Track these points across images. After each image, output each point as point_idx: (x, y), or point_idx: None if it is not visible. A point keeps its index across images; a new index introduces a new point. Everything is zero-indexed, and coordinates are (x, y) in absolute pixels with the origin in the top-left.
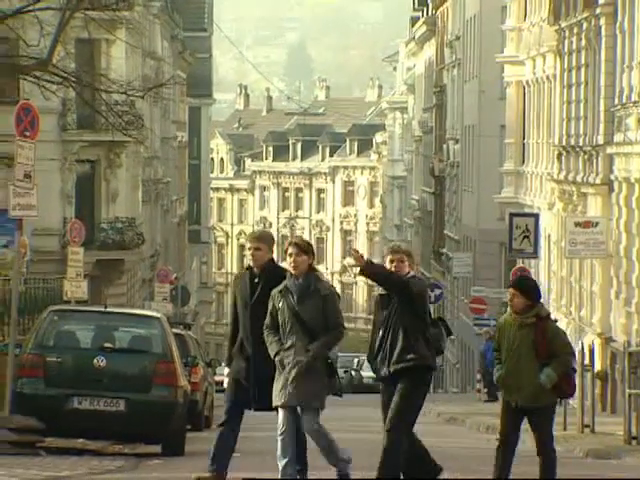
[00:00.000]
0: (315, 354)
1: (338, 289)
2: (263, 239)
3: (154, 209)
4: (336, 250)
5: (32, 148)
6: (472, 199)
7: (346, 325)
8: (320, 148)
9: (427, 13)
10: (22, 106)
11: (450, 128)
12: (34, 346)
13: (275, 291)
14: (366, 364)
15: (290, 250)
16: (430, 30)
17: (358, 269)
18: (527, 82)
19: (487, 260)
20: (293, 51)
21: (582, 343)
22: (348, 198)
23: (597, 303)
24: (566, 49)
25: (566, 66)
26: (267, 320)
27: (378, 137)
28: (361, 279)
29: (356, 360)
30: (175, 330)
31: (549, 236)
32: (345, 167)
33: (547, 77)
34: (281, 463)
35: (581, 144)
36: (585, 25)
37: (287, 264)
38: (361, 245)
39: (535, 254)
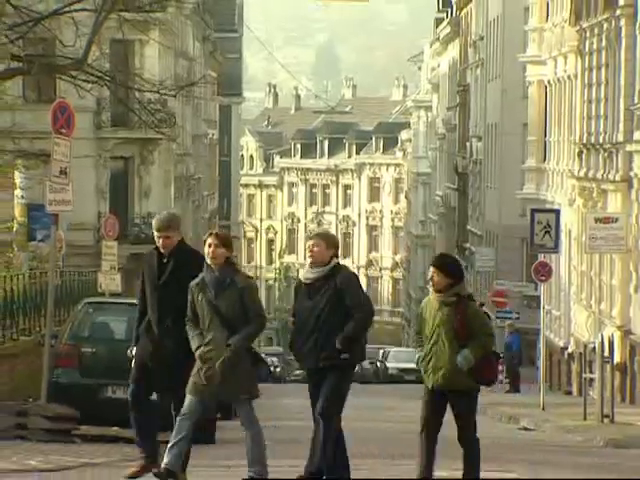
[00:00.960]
0: (236, 348)
1: (364, 283)
2: (172, 226)
3: (186, 205)
4: (362, 245)
5: (68, 145)
6: (494, 195)
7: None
8: (347, 145)
9: (451, 14)
10: (58, 104)
11: (473, 126)
12: (69, 337)
13: (193, 284)
14: (391, 355)
15: (209, 241)
16: (454, 31)
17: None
18: (549, 81)
19: (509, 255)
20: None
21: (602, 335)
22: (374, 194)
23: (616, 297)
24: (587, 49)
25: (587, 66)
26: (188, 312)
27: (403, 135)
28: (387, 273)
29: (381, 352)
30: None
31: (570, 231)
32: (371, 164)
33: (568, 76)
34: (170, 443)
35: (601, 142)
36: (605, 26)
37: (206, 254)
38: (386, 240)
39: (556, 249)
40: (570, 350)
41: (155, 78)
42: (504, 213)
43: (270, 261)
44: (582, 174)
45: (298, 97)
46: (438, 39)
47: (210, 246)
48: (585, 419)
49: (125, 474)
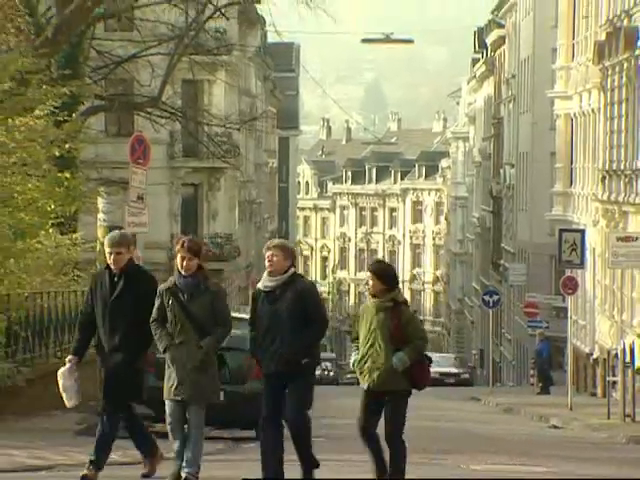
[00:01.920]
0: (208, 349)
1: (407, 296)
2: (124, 243)
3: (248, 226)
4: (406, 261)
5: (144, 174)
6: (526, 217)
7: None
8: (392, 173)
9: (486, 55)
10: (136, 137)
11: (506, 155)
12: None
13: (163, 288)
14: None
15: (181, 252)
16: (489, 69)
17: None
18: (574, 114)
19: (539, 270)
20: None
21: (623, 343)
22: (417, 216)
23: (637, 307)
24: (609, 85)
25: (609, 100)
26: (154, 315)
27: (443, 163)
28: (429, 286)
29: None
30: None
31: (594, 249)
32: (414, 189)
33: (592, 110)
34: (174, 448)
35: (622, 168)
36: (626, 64)
37: (177, 263)
38: (428, 257)
39: (582, 265)
40: (595, 356)
41: (221, 114)
42: (534, 233)
43: (324, 276)
44: (605, 197)
45: (349, 130)
46: (475, 77)
47: (183, 259)
48: (609, 418)
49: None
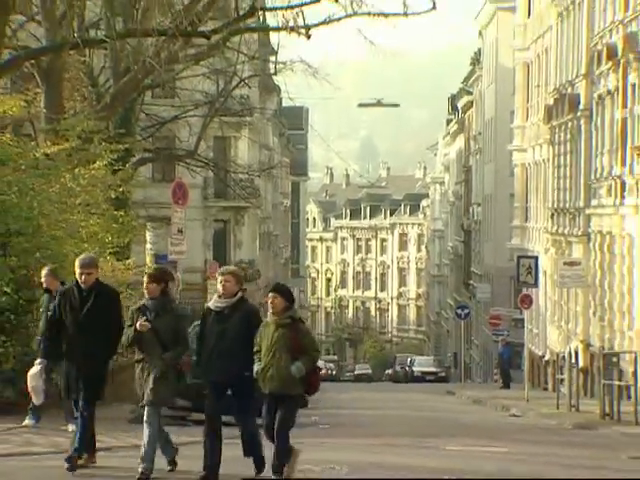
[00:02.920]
0: (168, 361)
1: (395, 310)
2: (92, 265)
3: (267, 253)
4: (394, 282)
5: (183, 212)
6: (490, 246)
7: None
8: (383, 210)
9: (458, 116)
10: (177, 183)
11: (474, 196)
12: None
13: (133, 309)
14: (416, 362)
15: (145, 278)
16: (460, 128)
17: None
18: (529, 164)
19: (501, 289)
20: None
21: (570, 347)
22: (403, 245)
23: (580, 319)
24: (556, 141)
25: (556, 153)
26: (126, 339)
27: (424, 202)
28: (413, 302)
29: (409, 359)
30: None
31: (545, 272)
32: (400, 223)
33: (543, 160)
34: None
35: (567, 207)
36: (569, 124)
37: (144, 288)
38: (412, 278)
39: (535, 285)
40: (546, 358)
41: (245, 163)
42: (497, 258)
43: (328, 294)
44: (554, 230)
45: (347, 176)
46: (449, 134)
47: (146, 283)
48: (558, 408)
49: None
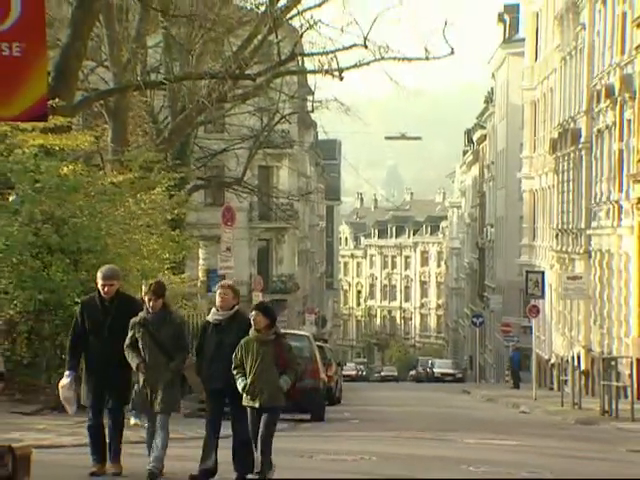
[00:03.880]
0: (175, 369)
1: (418, 318)
2: (115, 277)
3: (305, 269)
4: (417, 293)
5: (231, 232)
6: (502, 262)
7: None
8: (407, 231)
9: (473, 147)
10: (226, 207)
11: (488, 218)
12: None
13: (134, 322)
14: (437, 364)
15: (148, 296)
16: (475, 158)
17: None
18: (536, 190)
19: (512, 300)
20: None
21: (573, 352)
22: (424, 261)
23: (582, 327)
24: (560, 169)
25: (560, 180)
26: (128, 341)
27: (443, 224)
28: (433, 311)
29: (430, 362)
30: (318, 343)
31: (551, 285)
32: (422, 242)
33: (548, 187)
34: (150, 457)
35: (570, 228)
36: (572, 155)
37: (146, 303)
38: (433, 290)
39: (542, 296)
40: (552, 361)
41: (285, 189)
42: (508, 273)
43: (358, 304)
44: (558, 248)
45: (376, 200)
46: (465, 163)
47: (150, 300)
48: (562, 406)
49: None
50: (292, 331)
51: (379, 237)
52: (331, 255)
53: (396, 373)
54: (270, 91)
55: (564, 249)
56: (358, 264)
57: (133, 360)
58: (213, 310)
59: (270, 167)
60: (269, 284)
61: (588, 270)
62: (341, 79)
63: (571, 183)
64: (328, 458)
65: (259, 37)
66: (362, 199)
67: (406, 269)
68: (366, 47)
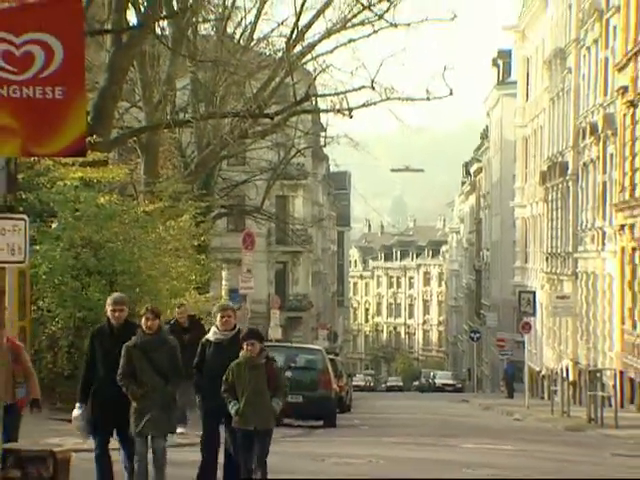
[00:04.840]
0: (172, 392)
1: (421, 334)
2: (124, 302)
3: (318, 289)
4: (419, 311)
5: (252, 255)
6: (497, 283)
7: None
8: (410, 254)
9: (471, 178)
10: (246, 232)
11: (484, 242)
12: None
13: (128, 347)
14: (438, 375)
15: (147, 315)
16: (472, 188)
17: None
18: (528, 217)
19: (506, 317)
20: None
21: (562, 364)
22: (426, 282)
23: (570, 342)
24: (550, 198)
25: (550, 208)
26: (122, 370)
27: (443, 248)
28: (435, 327)
29: (432, 373)
30: (330, 356)
31: (542, 304)
32: (425, 264)
33: (539, 214)
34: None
35: (559, 252)
36: (560, 185)
37: (144, 324)
38: (434, 308)
39: (534, 314)
40: (543, 373)
41: (301, 217)
42: (503, 293)
43: (366, 320)
44: (548, 270)
45: (382, 227)
46: (463, 193)
47: (148, 319)
48: (552, 414)
49: None
50: (306, 345)
51: (385, 260)
52: (342, 276)
53: (401, 383)
54: (287, 128)
55: (553, 271)
56: (366, 284)
57: (131, 390)
58: (214, 329)
59: (286, 196)
60: (285, 303)
61: (575, 290)
62: (351, 117)
63: (559, 211)
64: (340, 461)
65: (277, 80)
66: (370, 225)
67: (410, 289)
68: (373, 88)
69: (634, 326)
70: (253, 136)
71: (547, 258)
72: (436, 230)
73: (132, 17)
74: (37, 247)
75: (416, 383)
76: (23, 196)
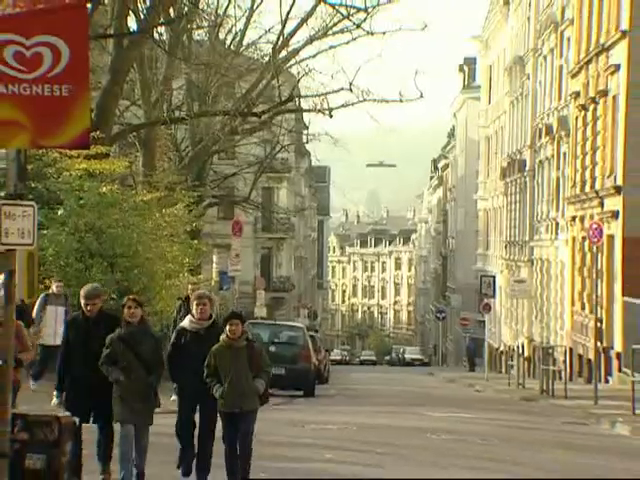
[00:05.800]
0: (155, 385)
1: (392, 313)
2: (97, 296)
3: (300, 271)
4: (391, 293)
5: (240, 241)
6: (461, 267)
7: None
8: (384, 241)
9: (438, 173)
10: (235, 220)
11: (450, 231)
12: None
13: (111, 338)
14: (408, 351)
15: (129, 304)
16: (439, 182)
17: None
18: (489, 209)
19: (469, 298)
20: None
21: (518, 342)
22: (398, 266)
23: (525, 321)
24: (509, 192)
25: (509, 201)
26: (103, 359)
27: (413, 236)
28: (405, 307)
29: (402, 348)
30: (310, 333)
31: (501, 287)
32: (396, 251)
33: (499, 206)
34: (120, 475)
35: (517, 240)
36: (519, 180)
37: (126, 313)
38: (404, 290)
39: (493, 296)
40: (501, 349)
41: (284, 206)
42: (466, 277)
43: (343, 301)
44: (507, 257)
45: (358, 216)
46: (431, 187)
47: (130, 308)
48: (509, 385)
49: None
50: (289, 323)
51: (361, 246)
52: (321, 260)
53: (374, 358)
54: (272, 126)
55: (512, 257)
56: (343, 268)
57: (112, 373)
58: (190, 318)
59: (272, 188)
60: (270, 284)
61: (531, 275)
62: (331, 117)
63: (517, 204)
64: (317, 427)
65: (264, 82)
66: (347, 215)
67: (383, 272)
68: (351, 91)
69: (583, 307)
70: (242, 133)
71: (506, 246)
72: (407, 220)
73: (132, 23)
74: (45, 232)
75: (387, 358)
76: (32, 185)
